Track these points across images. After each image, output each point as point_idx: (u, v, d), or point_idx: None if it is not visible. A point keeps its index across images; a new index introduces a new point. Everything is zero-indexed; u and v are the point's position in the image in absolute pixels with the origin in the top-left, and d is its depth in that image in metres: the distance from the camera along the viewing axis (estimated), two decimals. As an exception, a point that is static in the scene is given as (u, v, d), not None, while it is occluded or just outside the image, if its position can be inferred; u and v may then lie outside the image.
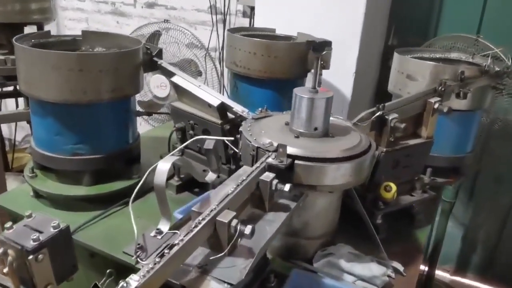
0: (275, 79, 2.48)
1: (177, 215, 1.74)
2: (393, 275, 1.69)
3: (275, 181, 1.39)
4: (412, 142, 1.93)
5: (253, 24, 3.69)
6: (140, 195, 2.17)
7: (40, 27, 3.29)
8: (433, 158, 2.17)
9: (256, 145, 1.55)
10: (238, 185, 1.32)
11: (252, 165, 1.45)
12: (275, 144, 1.49)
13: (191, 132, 2.09)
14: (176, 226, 1.23)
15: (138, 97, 3.94)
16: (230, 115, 2.00)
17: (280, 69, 2.38)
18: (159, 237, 1.13)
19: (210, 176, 1.47)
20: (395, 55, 2.41)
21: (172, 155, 1.27)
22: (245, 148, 1.64)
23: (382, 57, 3.60)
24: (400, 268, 1.74)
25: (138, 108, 3.46)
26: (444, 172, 2.43)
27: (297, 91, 1.65)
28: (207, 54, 3.88)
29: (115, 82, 1.92)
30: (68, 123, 1.86)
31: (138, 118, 2.26)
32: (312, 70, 2.35)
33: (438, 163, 2.35)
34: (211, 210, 1.19)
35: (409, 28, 3.32)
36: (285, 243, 1.72)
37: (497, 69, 2.19)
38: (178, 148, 1.51)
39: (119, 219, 1.99)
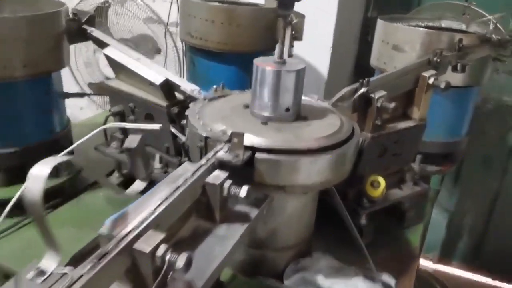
0: (238, 52, 2.09)
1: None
2: (383, 292, 1.36)
3: (227, 183, 1.01)
4: (401, 125, 1.66)
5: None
6: (72, 196, 1.78)
7: None
8: (424, 143, 1.87)
9: (204, 134, 1.17)
10: (173, 191, 0.94)
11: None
12: (229, 132, 1.11)
13: (131, 117, 1.69)
14: (76, 260, 0.84)
15: (88, 78, 3.49)
16: (180, 96, 1.60)
17: (244, 41, 2.03)
18: (39, 280, 0.74)
19: (135, 187, 1.08)
20: (379, 22, 2.05)
21: (66, 154, 0.87)
22: (191, 138, 1.26)
23: (361, 30, 3.27)
24: (392, 281, 1.40)
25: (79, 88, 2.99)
26: (434, 158, 2.10)
27: (258, 62, 1.26)
28: (166, 30, 3.44)
29: (28, 54, 1.51)
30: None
31: (79, 101, 1.82)
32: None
33: (429, 149, 2.03)
34: (128, 233, 0.81)
35: (390, -2, 2.94)
36: (248, 256, 1.37)
37: (498, 37, 1.84)
38: (73, 146, 1.08)
39: None
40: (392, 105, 1.47)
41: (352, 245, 1.47)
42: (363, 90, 1.46)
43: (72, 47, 3.44)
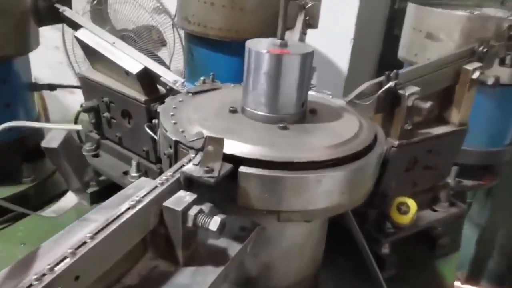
0: (242, 41, 1.77)
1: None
2: None
3: (194, 210, 0.71)
4: (437, 131, 1.37)
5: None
6: (37, 207, 1.49)
7: None
8: (461, 152, 1.51)
9: (175, 138, 0.87)
10: (109, 223, 0.64)
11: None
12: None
13: (106, 114, 1.40)
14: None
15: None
16: (163, 90, 1.31)
17: (249, 27, 1.76)
18: None
19: (63, 204, 0.79)
20: (410, 6, 1.74)
21: None
22: (162, 142, 0.95)
23: (387, 24, 2.92)
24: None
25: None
26: (473, 171, 1.76)
27: (251, 44, 0.96)
28: (173, 21, 3.15)
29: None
30: None
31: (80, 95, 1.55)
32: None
33: (467, 160, 1.69)
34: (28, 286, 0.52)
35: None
36: (234, 297, 1.05)
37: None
38: None
39: None
40: (428, 104, 1.15)
41: (371, 281, 1.22)
42: (390, 84, 1.15)
43: (69, 36, 3.23)
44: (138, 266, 0.74)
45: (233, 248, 0.80)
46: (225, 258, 0.78)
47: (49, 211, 0.79)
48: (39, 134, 1.57)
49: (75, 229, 0.66)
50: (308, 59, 0.94)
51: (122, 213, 0.66)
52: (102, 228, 0.63)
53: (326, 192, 0.85)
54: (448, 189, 1.45)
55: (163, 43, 3.24)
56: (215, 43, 1.82)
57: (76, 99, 3.36)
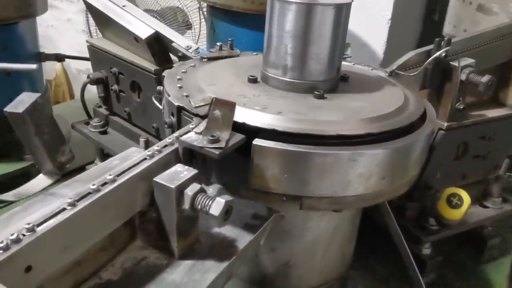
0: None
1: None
2: None
3: (193, 188, 0.55)
4: (491, 113, 1.19)
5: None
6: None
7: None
8: None
9: (177, 104, 0.71)
10: (77, 200, 0.49)
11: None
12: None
13: (114, 87, 1.27)
14: None
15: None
16: (176, 60, 1.16)
17: None
18: None
19: (31, 186, 0.65)
20: (459, -25, 1.50)
21: None
22: (164, 109, 0.80)
23: (426, 7, 2.71)
24: None
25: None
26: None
27: (276, -6, 0.79)
28: (200, 4, 3.02)
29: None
30: None
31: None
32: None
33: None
34: None
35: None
36: (247, 297, 0.89)
37: None
38: None
39: None
40: (485, 78, 0.95)
41: (408, 285, 1.04)
42: (440, 53, 0.95)
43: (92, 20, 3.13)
44: (122, 257, 0.59)
45: (243, 239, 0.64)
46: (232, 251, 0.62)
47: (9, 194, 0.65)
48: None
49: (35, 205, 0.51)
50: (344, 12, 0.77)
51: (96, 188, 0.51)
52: (68, 206, 0.48)
53: (362, 175, 0.68)
54: (502, 183, 1.25)
55: (188, 26, 3.12)
56: (238, 16, 1.69)
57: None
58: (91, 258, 0.55)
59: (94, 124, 1.37)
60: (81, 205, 0.49)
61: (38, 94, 0.61)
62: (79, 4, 3.21)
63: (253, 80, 0.84)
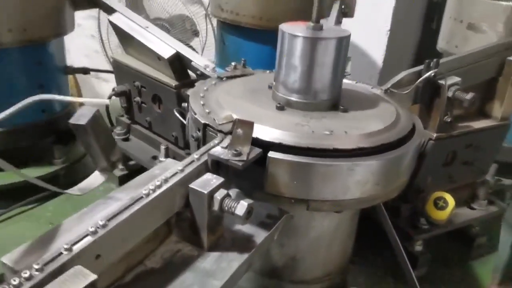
0: (275, 29, 1.73)
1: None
2: None
3: (220, 193, 0.69)
4: (477, 124, 1.31)
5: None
6: (67, 188, 1.50)
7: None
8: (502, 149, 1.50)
9: (203, 121, 0.84)
10: (133, 203, 0.62)
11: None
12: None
13: (137, 99, 1.40)
14: None
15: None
16: (194, 76, 1.29)
17: (282, 16, 1.68)
18: None
19: (88, 183, 0.78)
20: (452, -5, 1.64)
21: None
22: (190, 125, 0.93)
23: (425, 17, 2.82)
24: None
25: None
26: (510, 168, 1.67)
27: (286, 27, 0.92)
28: (207, 12, 3.14)
29: (15, 17, 1.27)
30: None
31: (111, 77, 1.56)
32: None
33: (508, 157, 1.59)
34: (40, 267, 0.50)
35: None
36: (259, 287, 1.02)
37: None
38: None
39: (23, 224, 1.37)
40: (469, 96, 1.09)
41: (402, 279, 1.16)
42: (429, 73, 1.09)
43: (104, 25, 3.26)
44: (162, 248, 0.73)
45: (259, 235, 0.77)
46: (251, 245, 0.75)
47: (75, 188, 0.79)
48: (71, 116, 1.58)
49: (99, 207, 0.65)
50: (344, 43, 0.90)
51: (147, 193, 0.65)
52: (126, 207, 0.62)
53: (359, 182, 0.81)
54: (487, 186, 1.37)
55: (195, 33, 3.24)
56: (247, 31, 1.80)
57: (110, 87, 3.42)
58: (138, 249, 0.68)
59: (117, 132, 1.51)
60: (136, 207, 0.62)
61: (96, 109, 0.74)
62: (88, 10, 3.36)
63: (264, 97, 0.98)
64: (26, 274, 0.51)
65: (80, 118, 0.71)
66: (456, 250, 1.40)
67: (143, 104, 1.42)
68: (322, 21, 0.95)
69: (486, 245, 1.42)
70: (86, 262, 0.56)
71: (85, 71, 1.60)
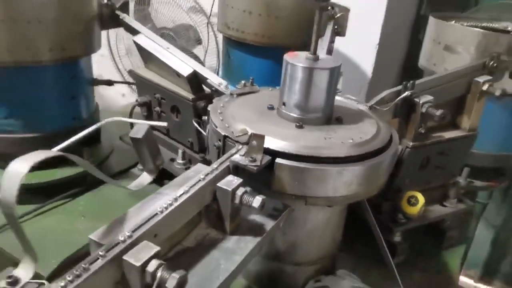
0: (276, 46, 1.97)
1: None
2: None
3: (240, 191, 0.91)
4: (448, 135, 1.52)
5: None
6: (93, 186, 1.72)
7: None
8: (473, 155, 1.73)
9: (224, 133, 1.06)
10: (178, 197, 0.84)
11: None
12: (250, 133, 1.00)
13: (157, 109, 1.61)
14: (67, 264, 0.76)
15: (130, 66, 3.46)
16: (208, 90, 1.50)
17: (283, 33, 1.92)
18: (11, 291, 0.66)
19: (141, 181, 0.99)
20: (431, 20, 1.87)
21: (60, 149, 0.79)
22: (211, 136, 1.15)
23: (412, 30, 3.04)
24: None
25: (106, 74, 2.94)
26: (483, 172, 1.90)
27: (289, 57, 1.14)
28: (208, 21, 3.34)
29: (55, 38, 1.46)
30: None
31: (122, 88, 1.77)
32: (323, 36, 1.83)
33: (478, 162, 1.83)
34: (118, 242, 0.72)
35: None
36: (265, 268, 1.25)
37: None
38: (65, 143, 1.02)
39: (58, 217, 1.54)
40: (439, 112, 1.31)
41: (383, 265, 1.34)
42: (406, 93, 1.31)
43: (113, 34, 3.46)
44: (194, 232, 0.94)
45: (268, 224, 0.99)
46: (262, 231, 0.97)
47: (132, 185, 0.99)
48: (94, 123, 1.80)
49: (153, 200, 0.86)
50: (335, 72, 1.13)
51: (187, 190, 0.86)
52: (174, 200, 0.83)
53: (346, 182, 1.04)
54: (457, 187, 1.60)
55: (198, 41, 3.44)
56: (251, 47, 2.00)
57: (117, 91, 3.61)
58: (178, 232, 0.90)
59: (138, 137, 1.72)
60: (180, 200, 0.84)
61: (148, 126, 0.95)
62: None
63: (271, 112, 1.21)
64: (110, 244, 0.72)
65: (138, 132, 0.93)
66: (430, 241, 1.61)
67: (162, 113, 1.63)
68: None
69: (456, 238, 1.65)
70: (148, 239, 0.78)
71: (110, 83, 1.82)
